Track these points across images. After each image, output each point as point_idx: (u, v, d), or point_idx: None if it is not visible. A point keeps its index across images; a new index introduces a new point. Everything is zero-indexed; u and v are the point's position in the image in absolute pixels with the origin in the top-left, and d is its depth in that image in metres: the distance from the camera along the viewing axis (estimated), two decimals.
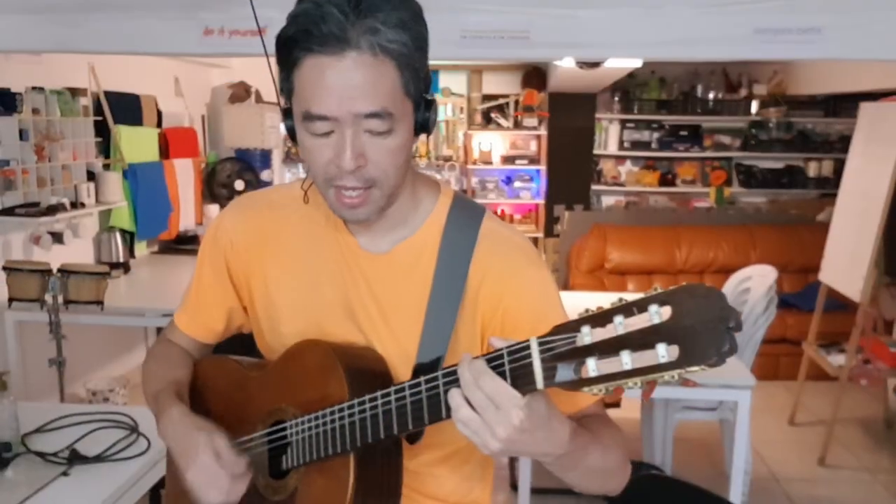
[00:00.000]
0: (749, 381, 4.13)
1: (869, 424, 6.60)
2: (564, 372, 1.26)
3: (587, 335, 1.23)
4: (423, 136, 1.64)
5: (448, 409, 1.39)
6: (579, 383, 1.23)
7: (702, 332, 1.14)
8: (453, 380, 1.39)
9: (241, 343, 2.02)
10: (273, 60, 1.56)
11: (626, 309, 1.20)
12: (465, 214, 1.72)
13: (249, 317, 1.90)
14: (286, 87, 1.54)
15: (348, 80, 1.43)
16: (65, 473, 2.75)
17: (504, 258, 1.68)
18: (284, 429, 1.72)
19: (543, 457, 1.42)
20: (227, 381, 1.95)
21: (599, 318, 1.23)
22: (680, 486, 2.56)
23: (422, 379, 1.46)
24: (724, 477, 4.73)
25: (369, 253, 1.71)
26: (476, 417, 1.34)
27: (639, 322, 1.19)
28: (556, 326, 1.28)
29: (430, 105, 1.59)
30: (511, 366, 1.33)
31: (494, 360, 1.35)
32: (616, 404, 5.34)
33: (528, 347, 1.30)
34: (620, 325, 1.20)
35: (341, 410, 1.58)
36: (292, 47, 1.47)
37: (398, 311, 1.69)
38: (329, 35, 1.41)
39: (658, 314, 1.17)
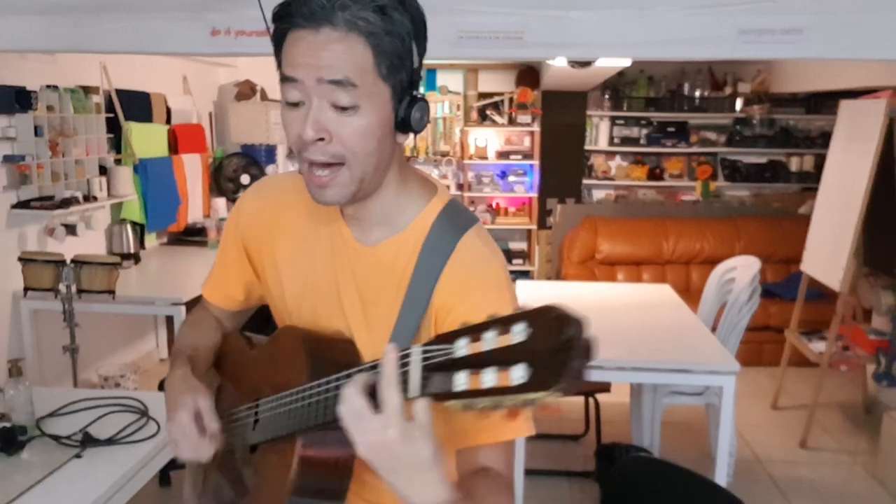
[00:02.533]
0: (734, 367, 4.14)
1: (848, 408, 6.60)
2: (438, 382, 1.20)
3: (462, 348, 1.17)
4: (421, 134, 1.63)
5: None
6: (447, 396, 1.17)
7: (549, 357, 1.04)
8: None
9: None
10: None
11: (497, 325, 1.13)
12: (452, 224, 1.69)
13: (264, 291, 1.93)
14: (278, 62, 1.55)
15: (319, 49, 1.45)
16: (78, 455, 2.76)
17: (466, 276, 1.64)
18: (255, 406, 1.75)
19: (408, 501, 1.33)
20: (235, 356, 2.00)
21: (475, 331, 1.16)
22: (667, 467, 2.56)
23: (342, 374, 1.44)
24: (710, 459, 4.74)
25: (359, 244, 1.71)
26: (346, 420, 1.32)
27: (504, 338, 1.11)
28: (438, 335, 1.23)
29: (415, 103, 1.56)
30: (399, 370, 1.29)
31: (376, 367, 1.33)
32: (606, 389, 5.35)
33: (409, 355, 1.26)
34: (490, 341, 1.13)
35: (292, 394, 1.58)
36: (280, 22, 1.51)
37: (376, 305, 1.69)
38: (308, 12, 1.44)
39: (521, 333, 1.09)
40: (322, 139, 1.50)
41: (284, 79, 1.51)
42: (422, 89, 1.60)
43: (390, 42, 1.48)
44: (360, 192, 1.59)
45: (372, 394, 1.31)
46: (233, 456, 1.83)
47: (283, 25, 1.51)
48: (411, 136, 1.63)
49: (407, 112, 1.56)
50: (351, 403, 1.30)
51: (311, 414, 1.51)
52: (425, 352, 1.23)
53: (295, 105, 1.51)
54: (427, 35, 1.57)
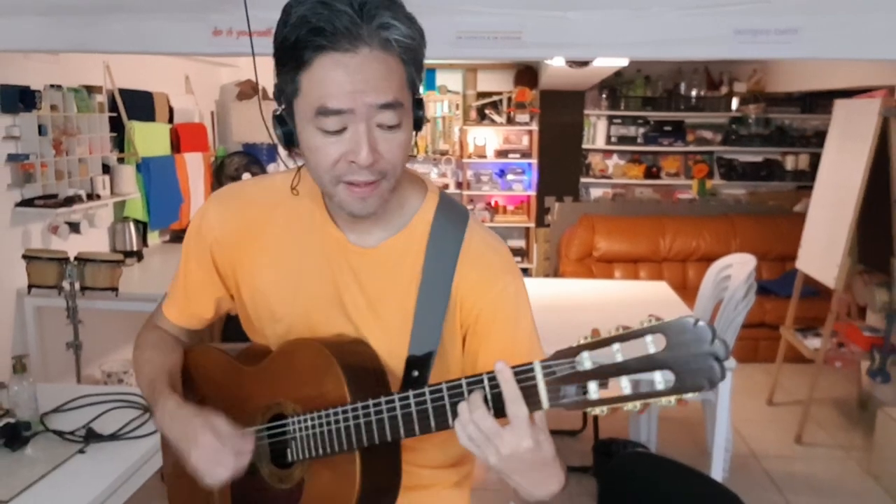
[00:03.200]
0: (729, 363, 4.13)
1: (843, 404, 6.61)
2: (568, 393, 1.31)
3: (587, 360, 1.28)
4: (421, 133, 1.64)
5: (453, 417, 1.43)
6: (584, 404, 1.29)
7: (695, 363, 1.21)
8: (458, 393, 1.43)
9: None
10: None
11: (623, 338, 1.25)
12: (452, 217, 1.71)
13: (237, 304, 1.88)
14: (289, 89, 1.50)
15: (363, 73, 1.42)
16: (81, 451, 2.76)
17: (485, 266, 1.69)
18: (286, 423, 1.71)
19: (531, 495, 1.46)
20: (219, 372, 1.92)
21: (598, 345, 1.28)
22: (664, 462, 2.56)
23: (426, 389, 1.48)
24: (706, 454, 4.75)
25: (357, 247, 1.70)
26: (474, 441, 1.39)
27: (634, 350, 1.25)
28: (557, 352, 1.32)
29: (420, 103, 1.59)
30: (521, 385, 1.36)
31: (493, 381, 1.39)
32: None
33: (531, 370, 1.34)
34: (619, 353, 1.26)
35: (345, 412, 1.58)
36: (301, 48, 1.43)
37: (387, 304, 1.69)
38: (341, 33, 1.39)
39: (654, 344, 1.23)
40: (375, 161, 1.49)
41: (325, 112, 1.45)
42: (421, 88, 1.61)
43: (417, 53, 1.50)
44: (391, 197, 1.60)
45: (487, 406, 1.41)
46: (254, 473, 1.76)
47: (304, 52, 1.43)
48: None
49: (418, 113, 1.57)
50: (483, 424, 1.37)
51: (386, 429, 1.54)
52: (546, 367, 1.34)
53: (335, 132, 1.48)
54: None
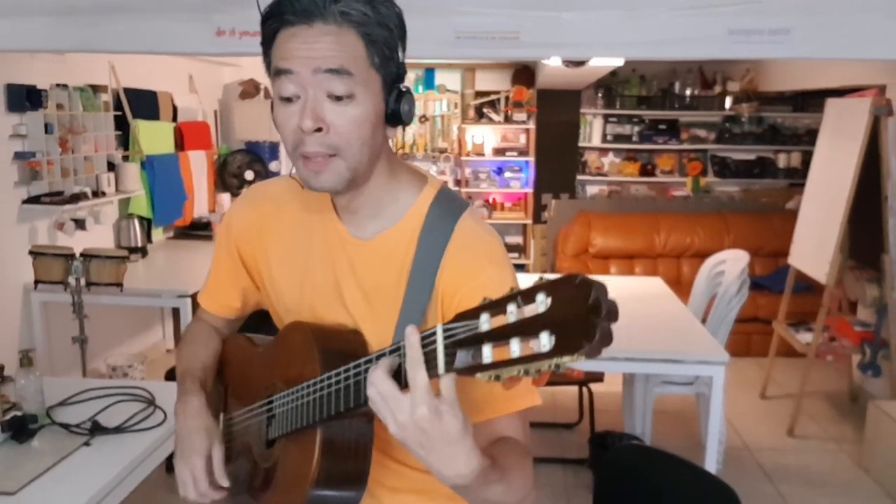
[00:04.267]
0: (723, 357, 4.14)
1: (834, 398, 6.61)
2: (463, 358, 1.21)
3: (485, 322, 1.18)
4: (420, 131, 1.62)
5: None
6: (475, 369, 1.19)
7: (574, 322, 1.07)
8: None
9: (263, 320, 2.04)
10: None
11: (516, 297, 1.16)
12: (446, 209, 1.70)
13: (262, 295, 1.93)
14: (267, 63, 1.57)
15: (313, 42, 1.47)
16: (87, 443, 2.77)
17: (469, 255, 1.65)
18: (272, 403, 1.74)
19: (440, 475, 1.36)
20: (240, 357, 1.99)
21: (496, 306, 1.18)
22: (659, 454, 2.56)
23: (361, 360, 1.45)
24: (700, 446, 4.75)
25: (356, 239, 1.71)
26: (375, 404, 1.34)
27: (528, 311, 1.14)
28: (459, 314, 1.24)
29: (402, 95, 1.58)
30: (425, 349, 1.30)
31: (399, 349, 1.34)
32: (599, 379, 5.35)
33: (433, 334, 1.27)
34: (512, 314, 1.15)
35: (308, 387, 1.58)
36: (270, 21, 1.52)
37: (379, 296, 1.69)
38: (301, 9, 1.47)
39: (544, 303, 1.11)
40: (320, 129, 1.50)
41: (278, 72, 1.51)
42: (412, 86, 1.60)
43: (380, 33, 1.51)
44: (352, 181, 1.59)
45: (397, 375, 1.33)
46: (249, 453, 1.82)
47: (273, 24, 1.52)
48: (400, 130, 1.65)
49: (396, 105, 1.57)
50: (378, 386, 1.31)
51: (332, 402, 1.51)
52: (447, 329, 1.24)
53: (289, 100, 1.52)
54: (407, 32, 1.59)
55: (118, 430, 2.86)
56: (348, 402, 1.47)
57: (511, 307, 1.15)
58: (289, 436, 1.67)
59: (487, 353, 1.16)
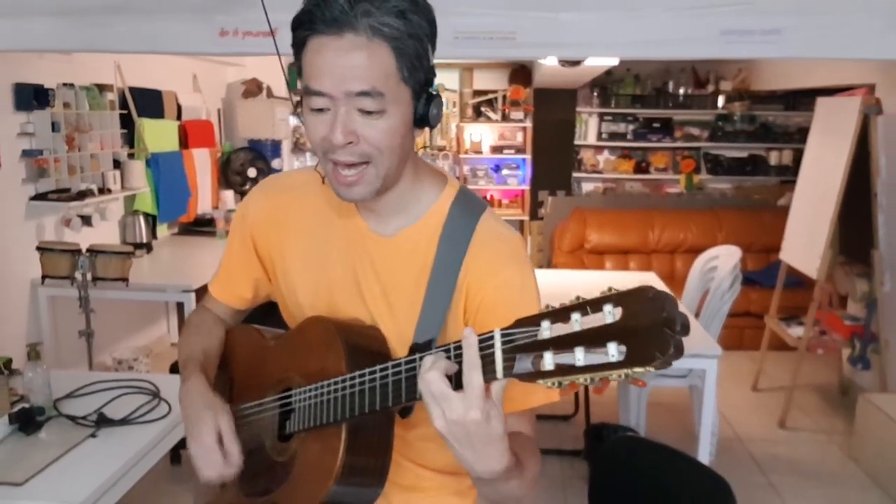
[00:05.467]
0: (716, 351, 4.14)
1: (825, 390, 6.61)
2: (523, 364, 1.21)
3: (546, 329, 1.18)
4: (429, 128, 1.61)
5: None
6: (535, 375, 1.18)
7: (647, 334, 1.08)
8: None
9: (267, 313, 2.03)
10: (284, 60, 1.55)
11: (583, 307, 1.15)
12: (467, 209, 1.70)
13: (273, 287, 1.91)
14: (298, 67, 1.53)
15: (344, 59, 1.43)
16: (93, 435, 2.76)
17: (491, 254, 1.65)
18: (290, 396, 1.72)
19: (472, 470, 1.37)
20: (248, 348, 1.96)
21: (559, 314, 1.18)
22: (653, 446, 2.56)
23: (402, 360, 1.45)
24: (693, 438, 4.74)
25: (377, 235, 1.70)
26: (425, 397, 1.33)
27: (594, 320, 1.14)
28: (519, 320, 1.23)
29: (432, 100, 1.56)
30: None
31: (459, 350, 1.32)
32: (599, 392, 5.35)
33: (492, 338, 1.26)
34: (577, 323, 1.15)
35: (335, 383, 1.57)
36: (300, 28, 1.48)
37: (398, 292, 1.68)
38: (331, 17, 1.42)
39: (612, 314, 1.11)
40: (351, 142, 1.49)
41: (309, 91, 1.48)
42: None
43: (411, 45, 1.47)
44: (383, 187, 1.58)
45: (449, 375, 1.32)
46: (261, 447, 1.80)
47: (303, 32, 1.48)
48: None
49: (425, 109, 1.55)
50: (432, 386, 1.31)
51: (365, 400, 1.51)
52: (505, 335, 1.24)
53: (319, 110, 1.49)
54: (437, 26, 1.55)
55: (124, 421, 2.85)
56: (385, 400, 1.47)
57: (576, 315, 1.15)
58: (308, 430, 1.66)
59: (549, 359, 1.17)
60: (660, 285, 5.57)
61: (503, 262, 1.66)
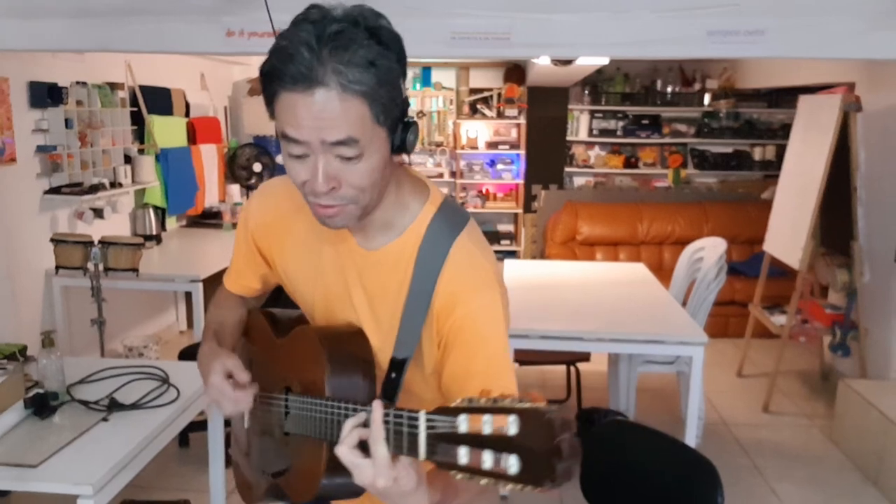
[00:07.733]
0: (702, 338, 4.14)
1: (807, 376, 6.62)
2: (442, 451, 1.19)
3: (463, 423, 1.16)
4: (408, 152, 1.57)
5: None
6: (451, 466, 1.17)
7: (537, 459, 1.06)
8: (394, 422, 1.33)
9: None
10: None
11: (493, 410, 1.12)
12: (445, 227, 1.65)
13: (281, 281, 1.94)
14: (271, 112, 1.49)
15: (317, 113, 1.38)
16: (105, 419, 2.77)
17: (462, 282, 1.61)
18: (287, 399, 1.76)
19: None
20: (261, 342, 2.00)
21: (474, 411, 1.15)
22: (641, 430, 2.56)
23: (360, 406, 1.44)
24: (681, 422, 4.76)
25: (362, 249, 1.68)
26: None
27: (499, 426, 1.11)
28: (440, 408, 1.21)
29: (409, 127, 1.52)
30: (405, 429, 1.28)
31: (388, 420, 1.32)
32: (586, 358, 5.35)
33: (416, 419, 1.25)
34: (487, 424, 1.12)
35: (319, 404, 1.58)
36: (269, 81, 1.44)
37: (383, 306, 1.68)
38: (298, 74, 1.37)
39: (514, 426, 1.08)
40: (333, 188, 1.47)
41: (286, 137, 1.44)
42: (410, 84, 1.57)
43: (384, 93, 1.42)
44: (363, 215, 1.57)
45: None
46: (272, 431, 1.84)
47: (273, 86, 1.43)
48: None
49: (402, 138, 1.51)
50: (344, 458, 1.34)
51: (332, 429, 1.52)
52: (429, 420, 1.23)
53: (298, 156, 1.46)
54: (406, 55, 1.49)
55: (134, 406, 2.87)
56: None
57: (486, 417, 1.12)
58: (302, 435, 1.68)
59: (463, 455, 1.15)
60: (649, 276, 5.59)
61: (472, 292, 1.61)
